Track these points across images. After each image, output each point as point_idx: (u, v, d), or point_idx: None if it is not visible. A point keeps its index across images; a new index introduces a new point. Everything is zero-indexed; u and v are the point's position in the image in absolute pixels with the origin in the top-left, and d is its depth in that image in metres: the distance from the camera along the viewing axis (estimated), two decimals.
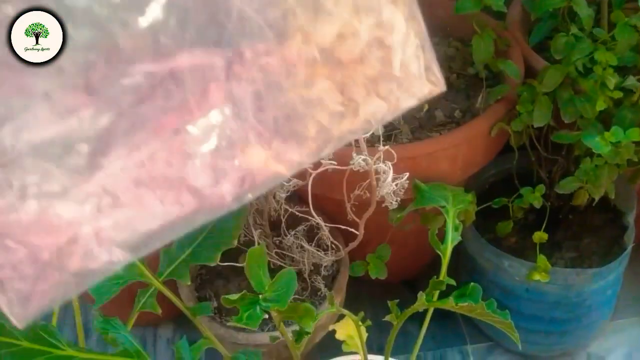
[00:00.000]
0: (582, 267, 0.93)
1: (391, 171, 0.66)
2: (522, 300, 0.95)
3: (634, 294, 1.13)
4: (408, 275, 1.15)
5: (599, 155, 0.82)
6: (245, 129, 0.32)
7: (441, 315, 1.12)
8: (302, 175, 0.73)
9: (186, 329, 0.66)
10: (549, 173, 0.96)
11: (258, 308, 0.55)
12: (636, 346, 1.07)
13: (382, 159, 0.66)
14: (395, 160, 0.67)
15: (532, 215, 1.00)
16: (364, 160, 0.64)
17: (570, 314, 0.96)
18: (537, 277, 0.89)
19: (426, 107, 0.95)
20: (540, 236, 0.91)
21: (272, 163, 0.33)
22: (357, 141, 0.66)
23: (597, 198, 0.87)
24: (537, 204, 0.90)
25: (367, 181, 0.70)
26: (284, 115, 0.33)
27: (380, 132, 0.82)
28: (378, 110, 0.35)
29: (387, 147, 0.65)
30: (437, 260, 0.76)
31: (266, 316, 0.58)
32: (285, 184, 0.74)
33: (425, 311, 0.74)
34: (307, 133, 0.34)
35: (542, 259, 0.89)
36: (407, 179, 0.69)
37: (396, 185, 0.68)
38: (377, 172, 0.68)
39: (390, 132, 0.92)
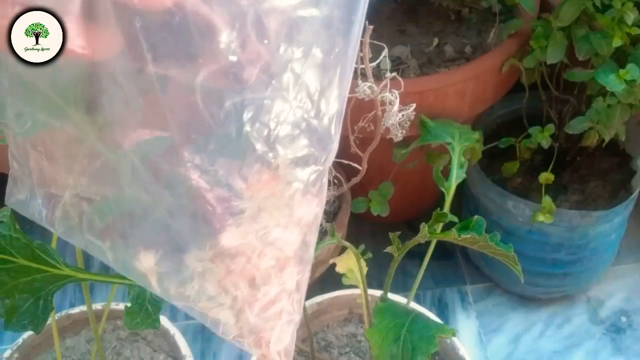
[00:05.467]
0: (587, 210, 0.92)
1: (397, 100, 0.64)
2: (524, 242, 0.95)
3: (637, 240, 1.13)
4: (411, 215, 1.14)
5: (612, 95, 0.80)
6: None
7: (441, 256, 1.12)
8: None
9: None
10: (559, 113, 0.93)
11: None
12: (636, 291, 1.07)
13: (388, 88, 0.63)
14: (402, 90, 0.65)
15: (539, 156, 0.98)
16: (369, 88, 0.62)
17: (573, 257, 0.96)
18: (541, 218, 0.89)
19: (436, 42, 0.92)
20: (546, 177, 0.89)
21: None
22: (363, 69, 0.64)
23: (607, 139, 0.85)
24: (546, 144, 0.88)
25: (373, 112, 0.68)
26: None
27: (388, 64, 0.79)
28: None
29: (394, 74, 0.63)
30: (440, 201, 0.75)
31: None
32: None
33: (425, 250, 0.73)
34: None
35: (547, 200, 0.88)
36: (414, 110, 0.67)
37: (402, 116, 0.66)
38: (382, 103, 0.66)
39: (398, 67, 0.89)
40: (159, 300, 0.54)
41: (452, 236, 0.57)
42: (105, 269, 0.57)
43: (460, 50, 0.91)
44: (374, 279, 0.93)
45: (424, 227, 0.59)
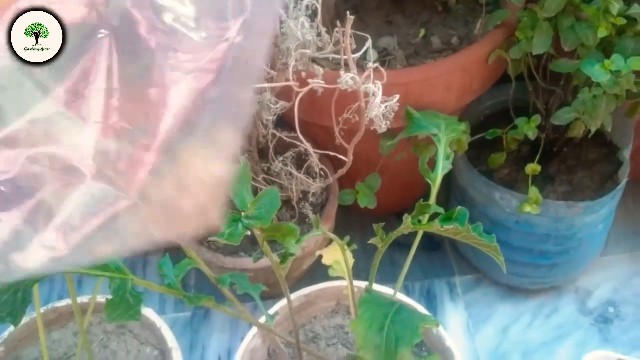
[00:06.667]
0: (575, 201, 0.93)
1: (380, 92, 0.63)
2: (512, 233, 0.95)
3: (625, 231, 1.13)
4: (400, 207, 1.14)
5: (598, 85, 0.80)
6: None
7: (430, 248, 1.12)
8: (288, 96, 0.71)
9: (176, 254, 0.66)
10: (546, 104, 0.93)
11: (240, 225, 0.54)
12: (624, 282, 1.08)
13: (372, 79, 0.63)
14: (386, 81, 0.65)
15: (527, 147, 0.98)
16: (352, 79, 0.62)
17: (560, 247, 0.96)
18: (528, 209, 0.89)
19: (423, 33, 0.92)
20: (533, 168, 0.89)
21: None
22: (346, 61, 0.64)
23: (593, 130, 0.85)
24: (532, 135, 0.88)
25: (357, 104, 0.68)
26: None
27: (373, 56, 0.79)
28: None
29: (376, 65, 0.62)
30: (429, 193, 0.75)
31: (251, 235, 0.56)
32: (272, 106, 0.72)
33: (413, 241, 0.73)
34: None
35: (533, 190, 0.88)
36: (398, 102, 0.67)
37: (386, 107, 0.66)
38: (366, 95, 0.66)
39: (385, 58, 0.89)
40: (141, 292, 0.54)
41: (435, 227, 0.57)
42: None
43: (447, 41, 0.91)
44: (363, 271, 0.93)
45: (407, 218, 0.59)
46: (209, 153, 0.32)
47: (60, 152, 0.29)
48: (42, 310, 0.78)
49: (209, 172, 0.32)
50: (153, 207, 0.31)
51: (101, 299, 0.82)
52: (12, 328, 0.80)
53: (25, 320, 0.77)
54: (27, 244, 0.29)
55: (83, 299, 0.80)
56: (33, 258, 0.29)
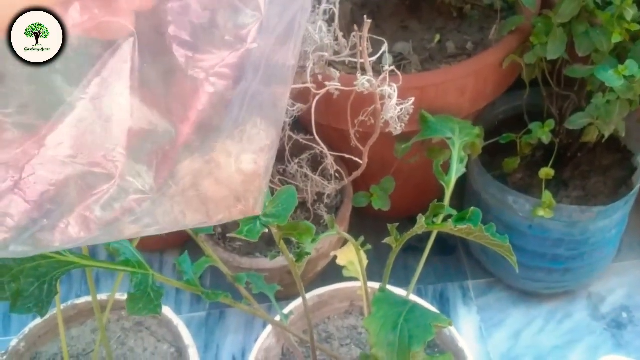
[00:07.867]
0: (588, 205, 0.93)
1: (395, 94, 0.65)
2: (525, 237, 0.95)
3: (638, 237, 1.13)
4: (414, 211, 1.15)
5: (612, 90, 0.80)
6: None
7: (443, 251, 1.13)
8: (305, 98, 0.72)
9: (192, 254, 0.67)
10: (559, 110, 0.94)
11: (258, 223, 0.55)
12: (637, 287, 1.07)
13: (387, 81, 0.64)
14: (401, 84, 0.66)
15: (540, 152, 0.99)
16: (368, 81, 0.63)
17: (574, 252, 0.96)
18: (541, 213, 0.89)
19: (438, 38, 0.93)
20: (546, 172, 0.90)
21: None
22: (362, 64, 0.65)
23: (607, 135, 0.85)
24: (546, 139, 0.89)
25: (372, 106, 0.69)
26: None
27: (389, 60, 0.80)
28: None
29: (392, 67, 0.64)
30: (443, 197, 0.76)
31: (266, 237, 0.58)
32: (289, 108, 0.73)
33: (426, 244, 0.74)
34: None
35: (547, 194, 0.89)
36: (415, 105, 0.68)
37: (401, 109, 0.67)
38: (382, 97, 0.67)
39: (400, 63, 0.90)
40: (161, 287, 0.55)
41: (449, 227, 0.58)
42: (111, 259, 0.58)
43: (461, 46, 0.92)
44: (376, 275, 0.93)
45: (420, 218, 0.60)
46: (240, 148, 0.32)
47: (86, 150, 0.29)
48: (61, 307, 0.79)
49: (241, 168, 0.33)
50: (184, 189, 0.32)
51: (119, 296, 0.83)
52: (32, 324, 0.82)
53: (45, 316, 0.79)
54: (57, 224, 0.30)
55: (101, 297, 0.81)
56: (63, 238, 0.30)
